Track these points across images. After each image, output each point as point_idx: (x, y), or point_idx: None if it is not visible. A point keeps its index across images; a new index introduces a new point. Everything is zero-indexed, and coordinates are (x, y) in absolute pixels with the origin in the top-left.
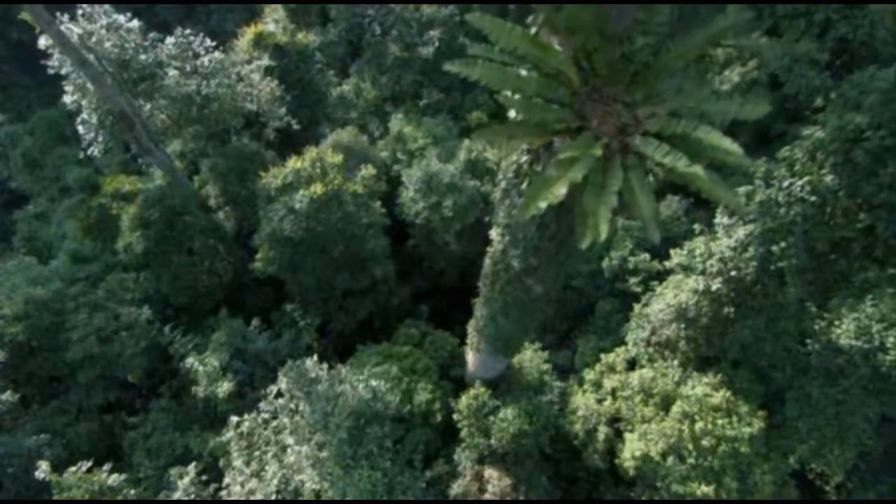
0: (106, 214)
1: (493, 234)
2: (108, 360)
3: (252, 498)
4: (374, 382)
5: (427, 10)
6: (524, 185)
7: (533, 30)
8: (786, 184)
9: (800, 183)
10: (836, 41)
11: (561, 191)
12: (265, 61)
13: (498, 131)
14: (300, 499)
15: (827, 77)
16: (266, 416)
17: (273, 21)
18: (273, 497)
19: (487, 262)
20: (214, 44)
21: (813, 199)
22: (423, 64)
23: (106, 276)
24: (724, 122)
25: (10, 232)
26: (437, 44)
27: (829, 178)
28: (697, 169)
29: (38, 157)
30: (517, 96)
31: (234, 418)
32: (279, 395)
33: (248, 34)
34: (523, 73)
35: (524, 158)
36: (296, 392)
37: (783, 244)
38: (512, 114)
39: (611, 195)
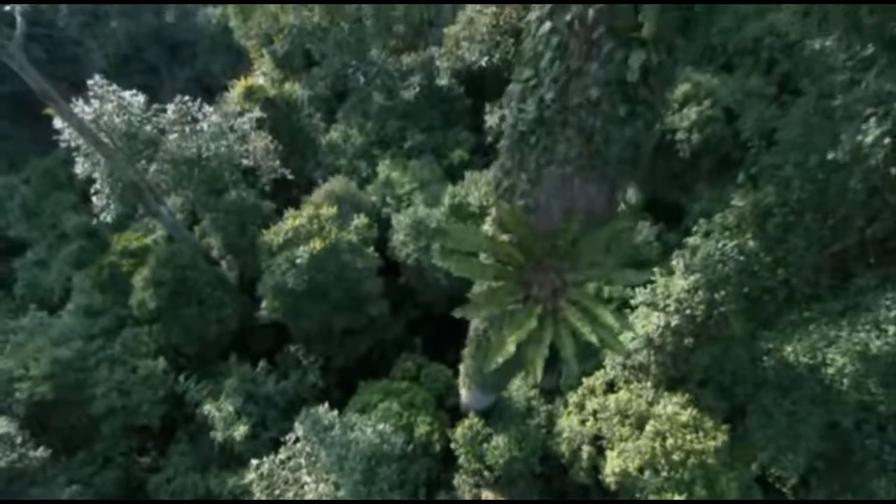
0: (116, 271)
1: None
2: (128, 411)
3: None
4: (380, 426)
5: (406, 59)
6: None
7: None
8: (720, 244)
9: (731, 244)
10: (781, 76)
11: (511, 348)
12: (256, 113)
13: (471, 308)
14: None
15: (775, 109)
16: (283, 456)
17: (262, 73)
18: None
19: (471, 331)
20: (212, 109)
21: (741, 258)
22: (405, 107)
23: (118, 328)
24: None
25: (9, 280)
26: (417, 88)
27: (751, 243)
28: (593, 336)
29: (35, 204)
30: (483, 286)
31: (255, 461)
32: (297, 440)
33: (238, 87)
34: (483, 260)
35: None
36: (311, 438)
37: (723, 292)
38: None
39: (544, 347)
